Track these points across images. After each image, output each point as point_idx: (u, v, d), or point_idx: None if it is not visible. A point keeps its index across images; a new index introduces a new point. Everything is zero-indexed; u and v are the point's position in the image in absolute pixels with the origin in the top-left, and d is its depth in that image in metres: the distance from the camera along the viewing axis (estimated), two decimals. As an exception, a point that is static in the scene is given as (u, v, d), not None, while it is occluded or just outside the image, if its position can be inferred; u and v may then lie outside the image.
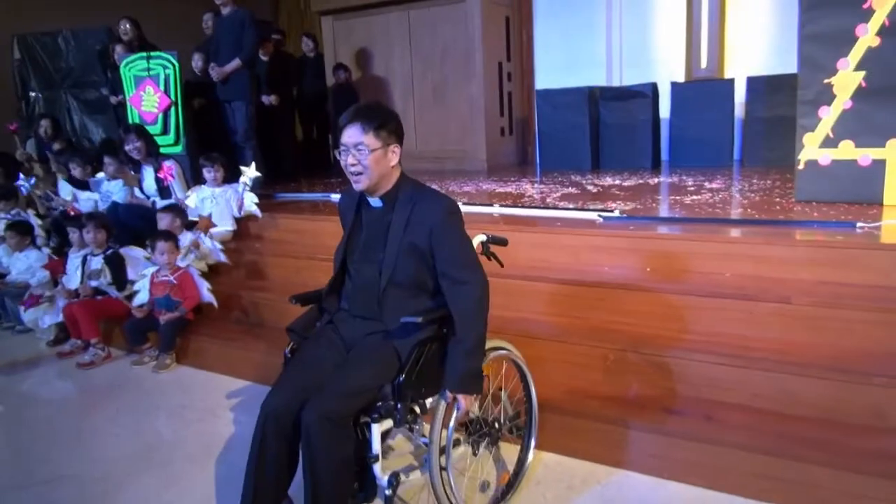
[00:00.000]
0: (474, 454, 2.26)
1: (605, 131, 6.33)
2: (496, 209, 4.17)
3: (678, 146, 6.15)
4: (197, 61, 6.02)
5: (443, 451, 2.03)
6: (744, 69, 6.02)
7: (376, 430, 1.96)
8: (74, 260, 4.32)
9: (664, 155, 6.44)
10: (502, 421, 2.37)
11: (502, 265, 2.49)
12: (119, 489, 2.62)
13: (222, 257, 4.38)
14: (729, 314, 2.78)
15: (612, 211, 3.71)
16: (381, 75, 7.19)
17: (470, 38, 6.60)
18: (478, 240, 2.34)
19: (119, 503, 2.52)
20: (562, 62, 6.74)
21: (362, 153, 2.01)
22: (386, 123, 2.03)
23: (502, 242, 2.44)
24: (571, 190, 4.85)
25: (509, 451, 2.52)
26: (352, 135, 2.01)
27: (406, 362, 2.00)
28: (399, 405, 1.97)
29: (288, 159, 6.74)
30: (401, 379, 1.97)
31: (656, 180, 5.24)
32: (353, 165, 2.03)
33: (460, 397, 2.02)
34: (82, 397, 3.64)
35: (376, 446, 1.97)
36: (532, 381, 2.43)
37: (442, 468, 2.02)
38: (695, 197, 4.23)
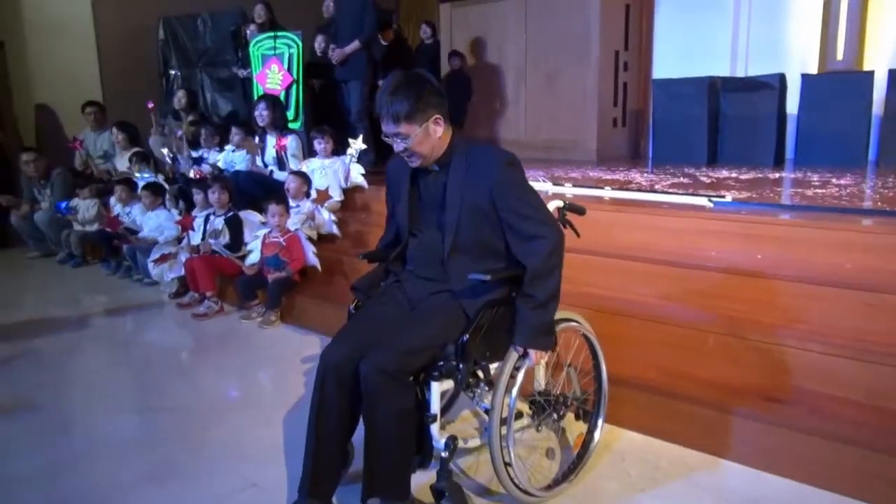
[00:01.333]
0: (537, 430, 2.20)
1: (724, 124, 6.01)
2: (597, 191, 4.07)
3: (806, 143, 5.74)
4: (319, 42, 6.28)
5: (504, 421, 1.97)
6: (885, 61, 5.53)
7: (436, 388, 1.92)
8: (198, 220, 4.64)
9: (789, 153, 6.04)
10: (569, 398, 2.28)
11: (578, 235, 2.40)
12: (217, 421, 2.82)
13: (335, 229, 4.55)
14: (846, 305, 2.57)
15: (723, 197, 3.53)
16: (494, 62, 7.21)
17: (587, 25, 6.48)
18: (553, 205, 2.25)
19: (215, 432, 2.71)
20: (682, 51, 6.45)
21: (405, 141, 1.97)
22: (415, 105, 1.92)
23: (579, 211, 2.35)
24: (683, 180, 4.66)
25: (576, 429, 2.44)
26: (388, 128, 1.97)
27: (472, 322, 1.95)
28: (461, 365, 1.92)
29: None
30: (465, 338, 1.92)
31: (778, 175, 4.93)
32: (402, 151, 2.01)
33: (530, 351, 1.98)
34: (195, 343, 3.91)
35: (435, 406, 1.93)
36: (603, 357, 2.34)
37: (502, 437, 1.96)
38: (819, 190, 3.95)
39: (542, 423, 2.17)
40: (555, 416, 2.19)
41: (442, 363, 1.93)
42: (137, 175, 5.63)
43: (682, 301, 2.94)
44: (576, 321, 2.23)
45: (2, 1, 7.30)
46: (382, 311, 2.11)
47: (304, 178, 4.52)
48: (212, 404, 3.03)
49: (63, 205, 5.74)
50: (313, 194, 4.56)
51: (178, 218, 5.03)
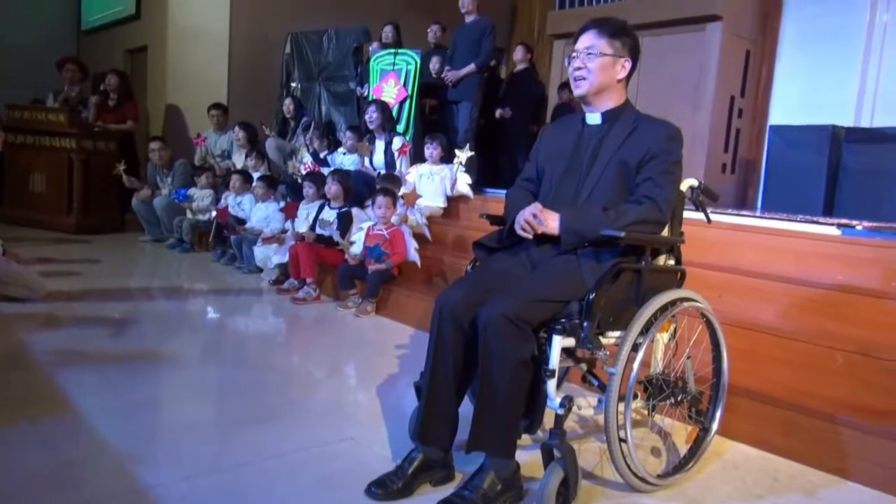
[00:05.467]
0: (650, 413, 2.10)
1: (845, 177, 5.71)
2: (713, 215, 3.92)
3: (938, 203, 5.39)
4: (434, 63, 6.48)
5: (622, 398, 1.89)
6: None
7: (557, 342, 1.83)
8: (304, 210, 4.80)
9: (918, 213, 5.67)
10: (686, 388, 2.15)
11: (710, 221, 2.35)
12: (315, 385, 2.92)
13: (426, 232, 4.61)
14: None
15: (854, 225, 3.34)
16: (603, 99, 7.19)
17: (704, 68, 6.39)
18: (688, 184, 2.19)
19: (314, 393, 2.79)
20: (803, 100, 6.26)
21: (590, 57, 2.01)
22: (622, 34, 2.04)
23: (713, 196, 2.29)
24: (799, 218, 4.44)
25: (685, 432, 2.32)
26: (585, 39, 2.04)
27: (598, 283, 1.86)
28: (586, 323, 1.83)
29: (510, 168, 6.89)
30: (591, 297, 1.83)
31: (905, 227, 4.63)
32: (578, 70, 2.04)
33: (547, 216, 1.96)
34: (292, 323, 3.99)
35: (554, 360, 1.83)
36: (725, 342, 2.22)
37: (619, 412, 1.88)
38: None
39: (657, 406, 2.06)
40: (671, 400, 2.08)
41: (565, 319, 1.86)
42: (253, 171, 5.91)
43: (805, 320, 2.78)
44: (696, 300, 2.11)
45: (151, 8, 7.98)
46: (503, 265, 2.09)
47: (395, 182, 4.62)
48: (309, 371, 3.11)
49: (182, 192, 6.07)
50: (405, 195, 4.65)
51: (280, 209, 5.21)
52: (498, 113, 6.71)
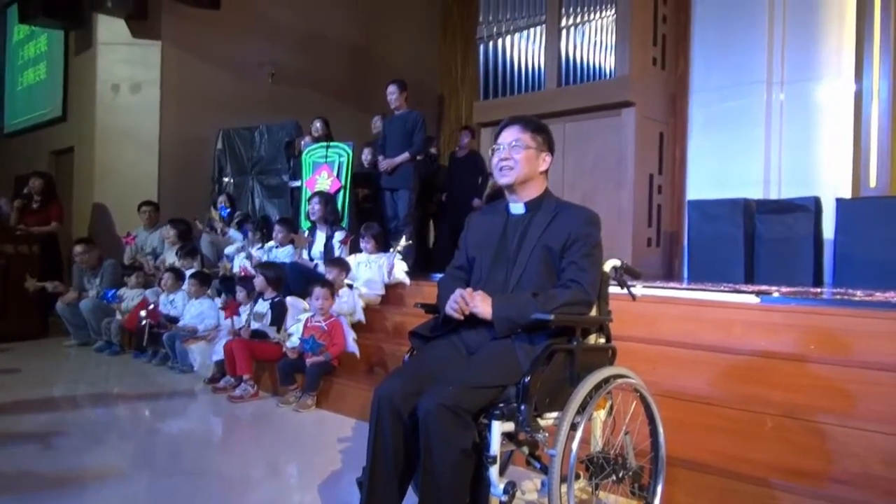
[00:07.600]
0: (594, 491, 2.10)
1: (760, 246, 6.07)
2: (641, 289, 4.08)
3: (844, 266, 5.72)
4: (366, 155, 6.66)
5: (564, 479, 1.90)
6: (920, 188, 5.66)
7: (497, 428, 1.85)
8: (242, 312, 4.73)
9: (827, 276, 6.03)
10: (626, 464, 2.18)
11: (634, 298, 2.44)
12: (255, 488, 2.79)
13: (362, 317, 4.61)
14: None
15: (771, 293, 3.53)
16: (532, 182, 7.48)
17: (623, 149, 6.77)
18: (611, 264, 2.29)
19: (254, 496, 2.67)
20: (715, 177, 6.68)
21: (516, 149, 2.16)
22: (542, 130, 2.22)
23: (635, 274, 2.40)
24: (724, 288, 4.66)
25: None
26: (509, 133, 2.19)
27: (533, 365, 1.92)
28: (523, 407, 1.87)
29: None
30: (526, 380, 1.88)
31: (819, 290, 4.92)
32: (504, 160, 2.17)
33: (476, 298, 2.03)
34: (230, 423, 3.86)
35: (495, 447, 1.84)
36: (660, 419, 2.28)
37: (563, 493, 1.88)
38: (865, 299, 3.92)
39: (600, 484, 2.07)
40: (613, 477, 2.09)
41: (503, 404, 1.89)
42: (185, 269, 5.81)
43: (734, 386, 2.89)
44: (628, 376, 2.17)
45: (79, 110, 7.95)
46: (439, 353, 2.11)
47: (343, 266, 4.64)
48: (247, 474, 2.97)
49: (110, 293, 5.89)
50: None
51: (221, 307, 5.11)
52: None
